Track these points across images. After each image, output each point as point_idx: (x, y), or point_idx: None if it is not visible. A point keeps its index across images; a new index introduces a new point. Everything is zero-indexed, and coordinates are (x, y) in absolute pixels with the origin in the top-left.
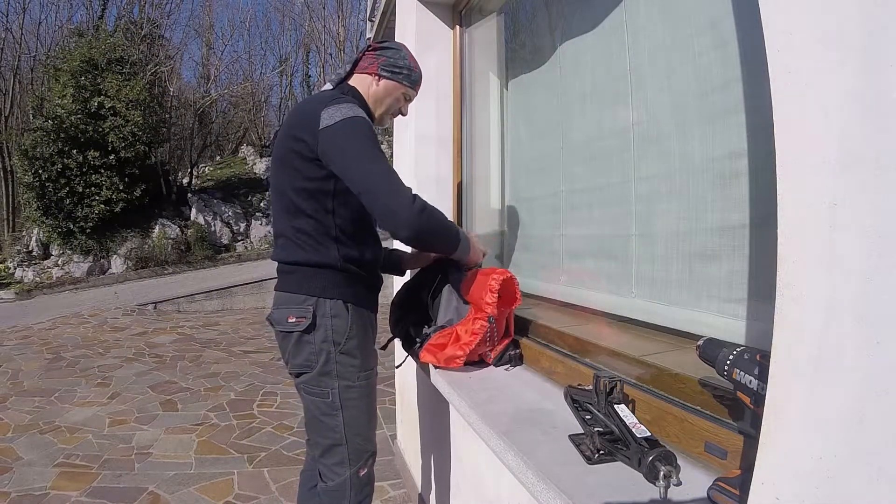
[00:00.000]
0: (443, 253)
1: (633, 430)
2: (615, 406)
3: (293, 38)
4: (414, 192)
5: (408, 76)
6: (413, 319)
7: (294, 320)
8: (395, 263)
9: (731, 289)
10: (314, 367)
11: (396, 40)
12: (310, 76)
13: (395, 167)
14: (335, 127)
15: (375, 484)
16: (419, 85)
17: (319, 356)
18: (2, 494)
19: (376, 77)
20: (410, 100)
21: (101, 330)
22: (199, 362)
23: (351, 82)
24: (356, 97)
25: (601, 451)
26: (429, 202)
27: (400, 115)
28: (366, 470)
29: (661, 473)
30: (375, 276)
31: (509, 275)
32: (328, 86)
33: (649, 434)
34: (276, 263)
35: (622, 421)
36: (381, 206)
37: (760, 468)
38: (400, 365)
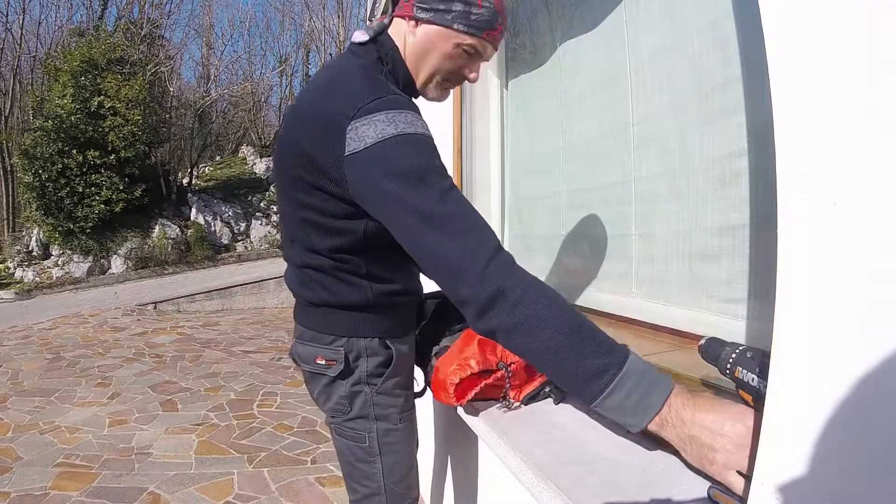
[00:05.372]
0: (561, 382)
1: None
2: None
3: (293, 38)
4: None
5: (463, 16)
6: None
7: (324, 362)
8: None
9: (731, 289)
10: (347, 411)
11: None
12: (310, 76)
13: None
14: (368, 155)
15: None
16: (494, 31)
17: (354, 399)
18: (2, 494)
19: (411, 21)
20: (479, 55)
21: (101, 330)
22: (199, 362)
23: (391, 31)
24: (398, 66)
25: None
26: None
27: (467, 83)
28: None
29: None
30: (419, 295)
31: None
32: (362, 36)
33: None
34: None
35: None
36: (446, 284)
37: (760, 468)
38: (421, 393)
